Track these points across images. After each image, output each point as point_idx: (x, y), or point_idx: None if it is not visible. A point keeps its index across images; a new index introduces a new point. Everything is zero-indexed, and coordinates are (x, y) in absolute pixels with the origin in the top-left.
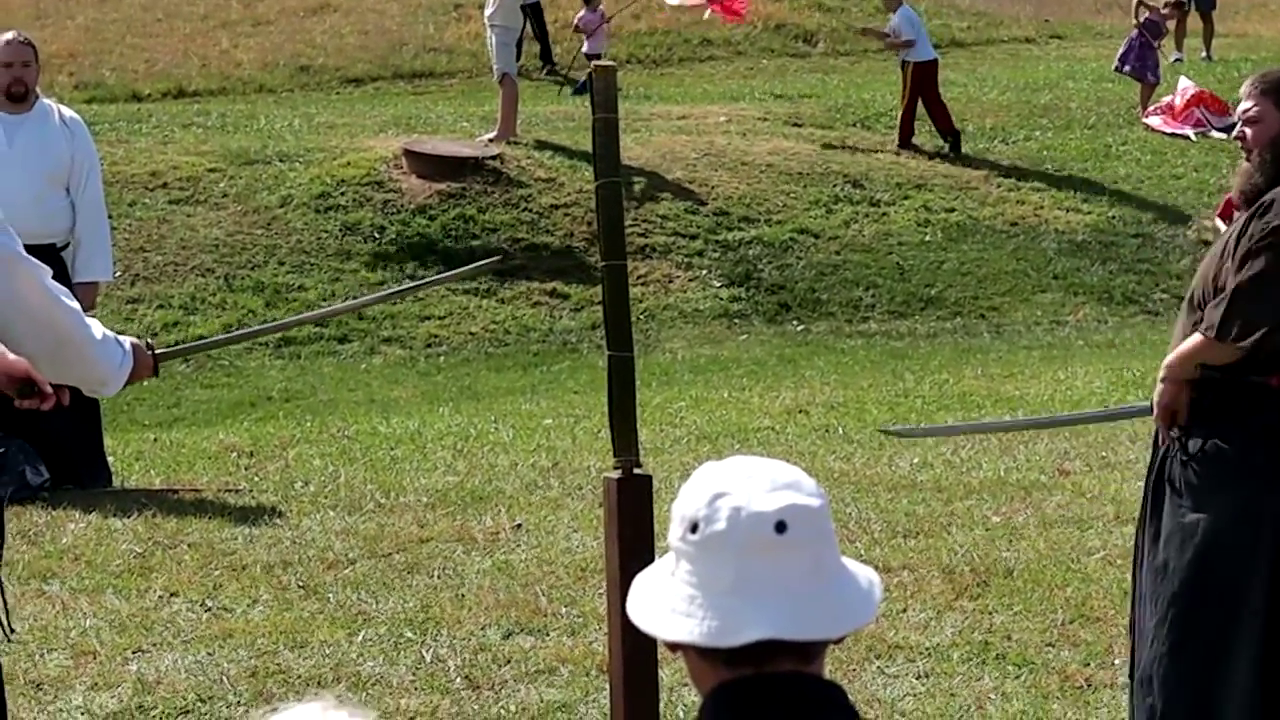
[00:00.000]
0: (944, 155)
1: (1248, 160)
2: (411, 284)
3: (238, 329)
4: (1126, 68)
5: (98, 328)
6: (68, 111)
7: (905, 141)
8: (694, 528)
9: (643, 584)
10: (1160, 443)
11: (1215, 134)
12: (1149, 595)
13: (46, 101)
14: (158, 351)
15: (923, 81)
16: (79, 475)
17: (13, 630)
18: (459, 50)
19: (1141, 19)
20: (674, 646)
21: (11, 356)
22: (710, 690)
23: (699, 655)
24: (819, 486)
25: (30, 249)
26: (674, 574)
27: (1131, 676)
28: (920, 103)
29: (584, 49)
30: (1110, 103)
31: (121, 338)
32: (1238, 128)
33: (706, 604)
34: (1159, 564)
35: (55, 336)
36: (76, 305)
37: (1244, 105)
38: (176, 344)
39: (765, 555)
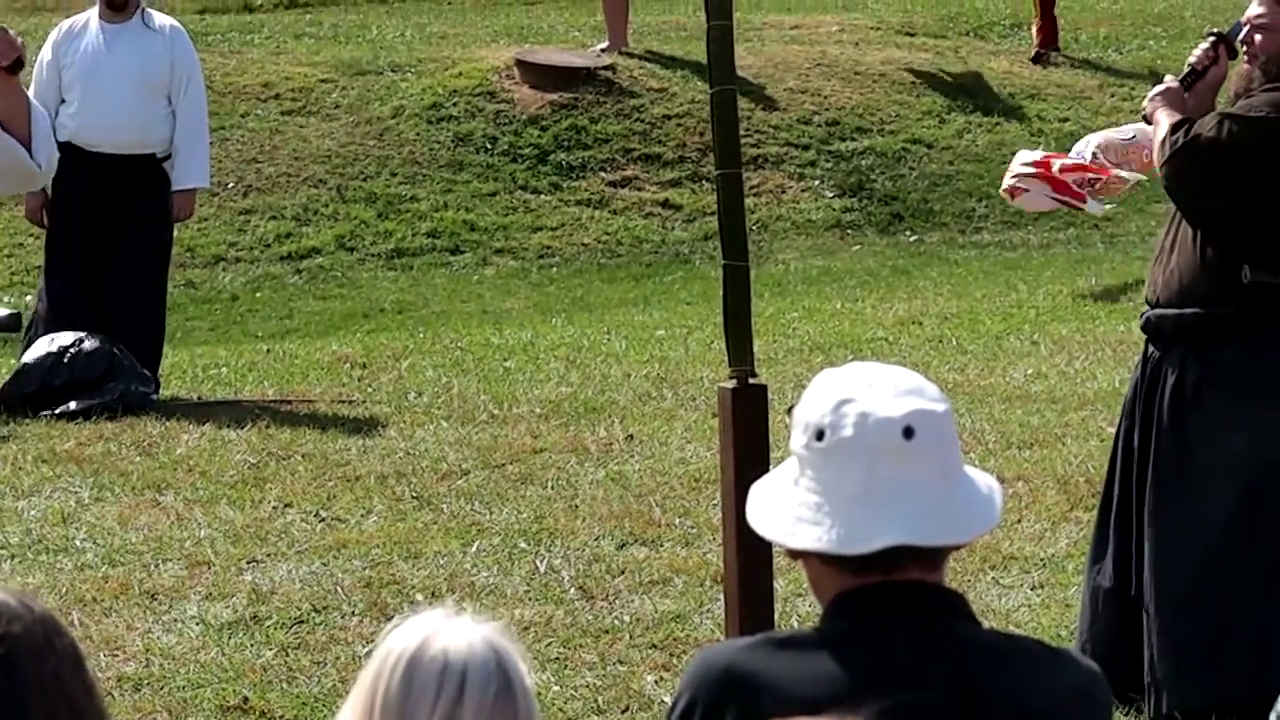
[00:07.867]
0: (1057, 64)
1: (1248, 64)
2: None
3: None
4: None
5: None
6: (168, 20)
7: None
8: (820, 434)
9: (761, 492)
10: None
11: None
12: (1172, 513)
13: (148, 10)
14: None
15: None
16: None
17: None
18: None
19: None
20: (797, 554)
21: None
22: (832, 598)
23: (823, 563)
24: (941, 392)
25: (129, 159)
26: (797, 482)
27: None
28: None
29: None
30: (1224, 10)
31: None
32: (1244, 31)
33: (833, 511)
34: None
35: None
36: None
37: (1254, 9)
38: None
39: (894, 461)
